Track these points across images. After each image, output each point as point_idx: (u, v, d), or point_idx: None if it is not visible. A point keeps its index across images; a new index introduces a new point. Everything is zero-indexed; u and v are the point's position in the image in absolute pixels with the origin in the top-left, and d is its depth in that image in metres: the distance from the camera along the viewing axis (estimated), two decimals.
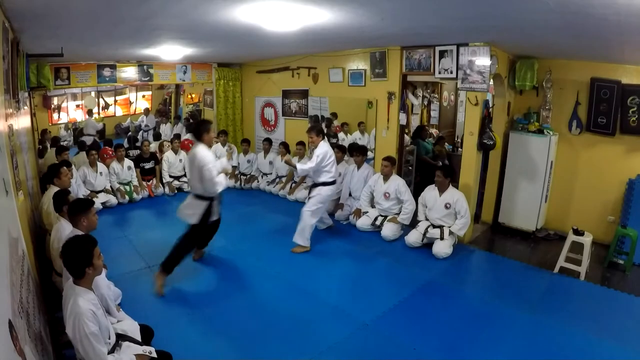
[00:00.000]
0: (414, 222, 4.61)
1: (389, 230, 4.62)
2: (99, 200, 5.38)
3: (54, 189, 3.42)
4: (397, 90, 5.09)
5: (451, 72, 4.43)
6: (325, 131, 6.36)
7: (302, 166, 4.27)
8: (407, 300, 3.38)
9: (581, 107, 4.59)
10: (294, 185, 6.22)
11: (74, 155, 6.23)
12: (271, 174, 6.66)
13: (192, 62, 7.23)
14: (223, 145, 6.84)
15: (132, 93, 10.43)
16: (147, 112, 10.37)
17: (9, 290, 1.56)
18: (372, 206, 4.99)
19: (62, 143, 7.26)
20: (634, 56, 3.81)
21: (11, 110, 2.87)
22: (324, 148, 4.16)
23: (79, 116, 9.63)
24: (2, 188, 1.92)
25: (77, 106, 9.58)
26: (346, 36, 4.11)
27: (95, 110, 9.72)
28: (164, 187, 6.34)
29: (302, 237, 4.21)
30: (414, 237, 4.41)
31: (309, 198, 4.32)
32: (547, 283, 3.74)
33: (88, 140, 7.87)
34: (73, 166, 5.03)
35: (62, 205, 2.93)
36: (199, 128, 3.49)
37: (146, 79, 6.81)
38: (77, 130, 9.47)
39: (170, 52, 5.38)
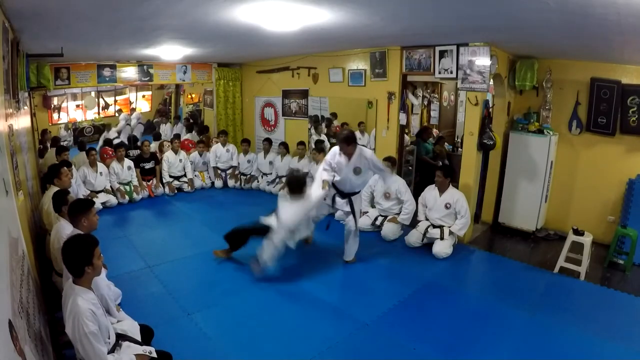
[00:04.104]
0: (414, 222, 4.61)
1: (389, 230, 4.62)
2: (99, 200, 5.38)
3: (54, 189, 3.42)
4: (397, 90, 5.09)
5: (451, 72, 4.43)
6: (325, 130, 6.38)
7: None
8: (407, 300, 3.38)
9: (581, 107, 4.59)
10: None
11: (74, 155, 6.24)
12: (271, 174, 6.66)
13: (192, 62, 7.22)
14: (223, 145, 6.84)
15: (132, 93, 10.42)
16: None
17: (9, 290, 1.56)
18: (372, 206, 4.99)
19: (62, 143, 7.26)
20: (634, 56, 3.81)
21: (11, 110, 2.87)
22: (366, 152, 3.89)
23: (79, 116, 9.62)
24: (2, 188, 1.92)
25: (77, 106, 9.57)
26: (346, 36, 4.11)
27: (95, 110, 9.72)
28: (164, 187, 6.34)
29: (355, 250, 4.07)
30: (414, 237, 4.41)
31: (351, 212, 3.97)
32: (547, 283, 3.74)
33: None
34: (73, 166, 5.03)
35: (61, 205, 2.93)
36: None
37: (146, 79, 6.81)
38: (77, 130, 9.48)
39: (170, 52, 5.38)
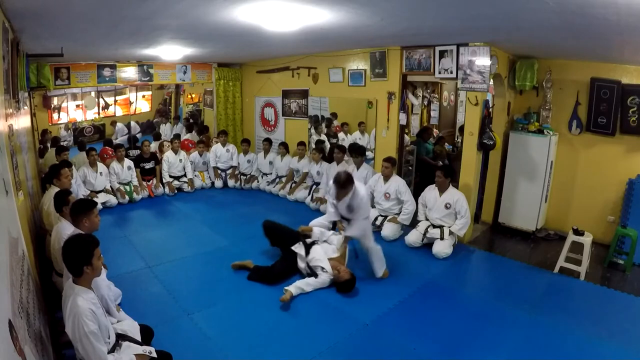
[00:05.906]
0: (414, 222, 4.61)
1: (389, 230, 4.62)
2: (99, 200, 5.37)
3: (54, 189, 3.42)
4: (397, 90, 5.09)
5: (451, 72, 4.43)
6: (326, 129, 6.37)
7: None
8: (407, 300, 3.38)
9: (581, 107, 4.59)
10: (294, 185, 6.22)
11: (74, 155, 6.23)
12: (271, 174, 6.66)
13: (192, 62, 7.23)
14: (223, 145, 6.84)
15: (132, 93, 10.40)
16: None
17: (9, 290, 1.56)
18: (372, 206, 4.99)
19: (62, 143, 7.25)
20: (634, 56, 3.81)
21: (11, 110, 2.87)
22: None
23: (79, 116, 9.61)
24: (2, 188, 1.92)
25: (77, 106, 9.56)
26: (346, 36, 4.11)
27: (95, 110, 9.71)
28: (163, 187, 6.34)
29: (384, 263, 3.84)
30: (414, 237, 4.41)
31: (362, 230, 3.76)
32: (547, 283, 3.74)
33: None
34: (73, 166, 5.03)
35: (62, 205, 2.93)
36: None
37: (146, 79, 6.82)
38: (77, 130, 9.47)
39: (170, 52, 5.38)
